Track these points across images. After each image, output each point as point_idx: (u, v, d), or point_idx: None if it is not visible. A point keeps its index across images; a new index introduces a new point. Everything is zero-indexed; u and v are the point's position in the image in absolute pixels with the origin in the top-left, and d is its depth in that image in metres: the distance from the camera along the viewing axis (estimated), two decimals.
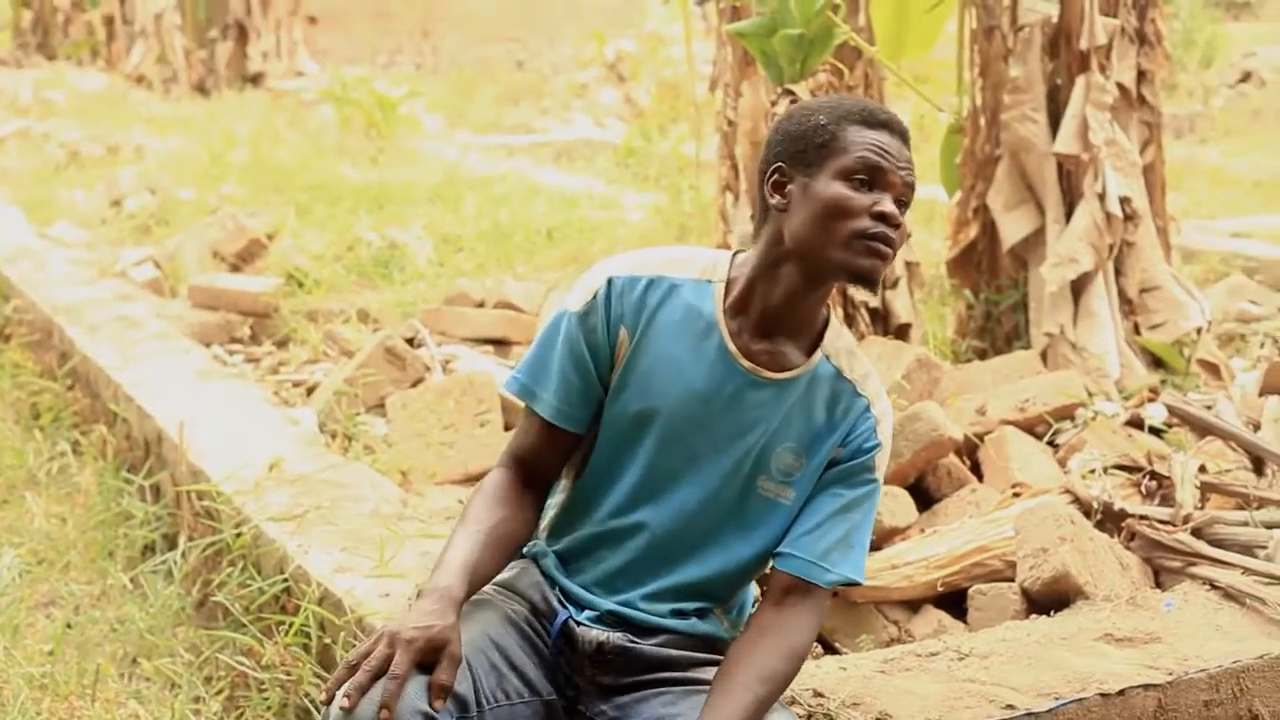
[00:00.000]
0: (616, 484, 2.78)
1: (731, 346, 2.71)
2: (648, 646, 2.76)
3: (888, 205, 2.60)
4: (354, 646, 3.43)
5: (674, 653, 2.77)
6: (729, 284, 2.74)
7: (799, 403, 2.73)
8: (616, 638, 2.76)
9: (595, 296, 2.73)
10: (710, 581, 2.81)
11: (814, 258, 2.63)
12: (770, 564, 2.80)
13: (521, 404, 2.83)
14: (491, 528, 2.70)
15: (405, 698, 2.40)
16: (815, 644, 3.85)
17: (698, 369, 2.71)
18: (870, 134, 2.64)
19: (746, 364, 2.71)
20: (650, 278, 2.74)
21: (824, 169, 2.63)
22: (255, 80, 18.73)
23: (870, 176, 2.62)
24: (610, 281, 2.73)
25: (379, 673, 2.42)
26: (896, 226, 2.62)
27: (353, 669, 2.43)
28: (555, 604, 2.81)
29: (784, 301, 2.70)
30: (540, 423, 2.78)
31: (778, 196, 2.69)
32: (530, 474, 2.82)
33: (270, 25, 19.35)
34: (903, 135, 2.69)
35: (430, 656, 2.45)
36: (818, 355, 2.75)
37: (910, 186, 2.67)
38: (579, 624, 2.77)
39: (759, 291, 2.71)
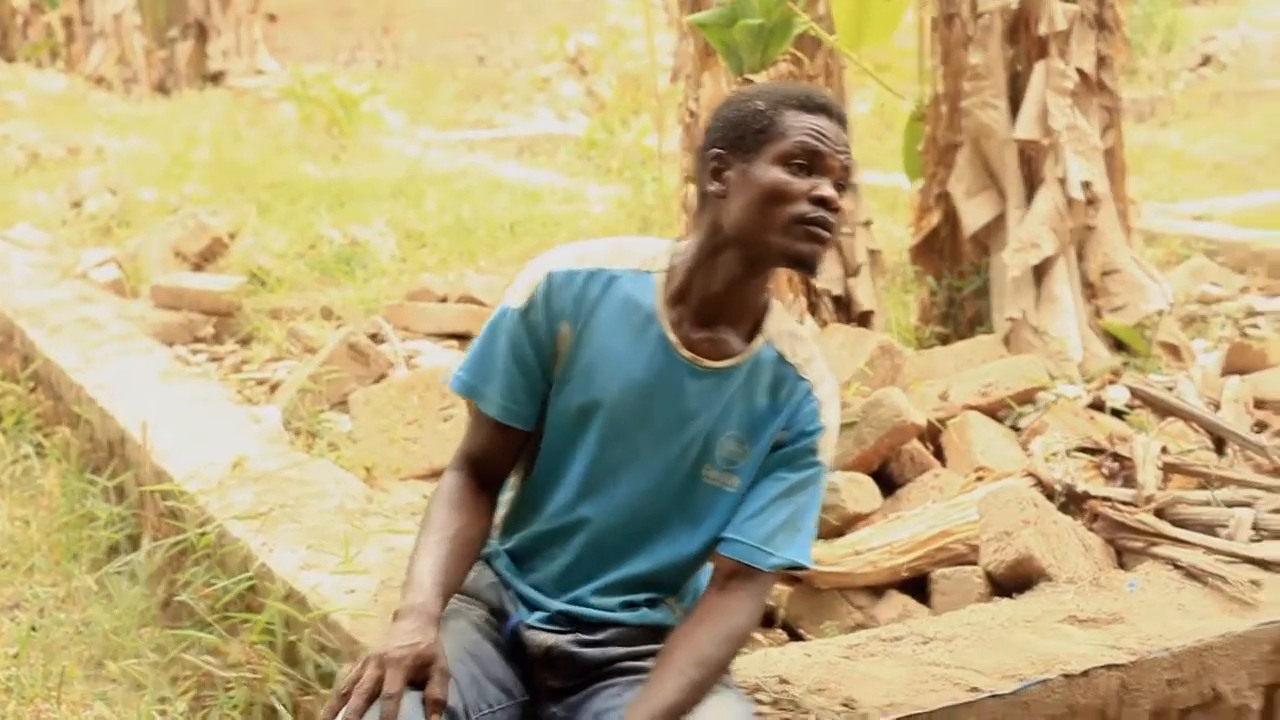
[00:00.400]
0: (563, 479, 2.77)
1: (671, 337, 2.69)
2: (595, 651, 2.75)
3: (827, 189, 2.59)
4: (339, 669, 3.43)
5: (621, 649, 2.76)
6: (670, 273, 2.72)
7: (741, 389, 2.72)
8: (564, 642, 2.75)
9: (536, 292, 2.71)
10: (660, 572, 2.80)
11: (753, 244, 2.61)
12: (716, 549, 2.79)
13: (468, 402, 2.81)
14: (454, 535, 2.69)
15: (402, 715, 2.39)
16: (781, 631, 3.87)
17: (638, 361, 2.70)
18: (808, 119, 2.63)
19: (687, 354, 2.69)
20: (590, 270, 2.72)
21: (762, 154, 2.61)
22: (215, 79, 18.69)
23: (809, 161, 2.60)
24: (550, 276, 2.72)
25: (373, 695, 2.40)
26: (836, 210, 2.61)
27: (344, 697, 2.41)
28: (508, 606, 2.80)
29: (724, 289, 2.68)
30: (489, 422, 2.77)
31: (716, 183, 2.67)
32: (484, 474, 2.81)
33: (230, 24, 19.31)
34: (840, 119, 2.67)
35: (420, 674, 2.43)
36: (759, 341, 2.74)
37: (848, 170, 2.66)
38: (529, 627, 2.77)
39: (699, 280, 2.69)
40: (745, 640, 2.73)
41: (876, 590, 3.91)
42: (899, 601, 3.86)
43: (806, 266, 2.62)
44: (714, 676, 2.61)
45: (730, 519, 2.74)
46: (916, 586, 3.91)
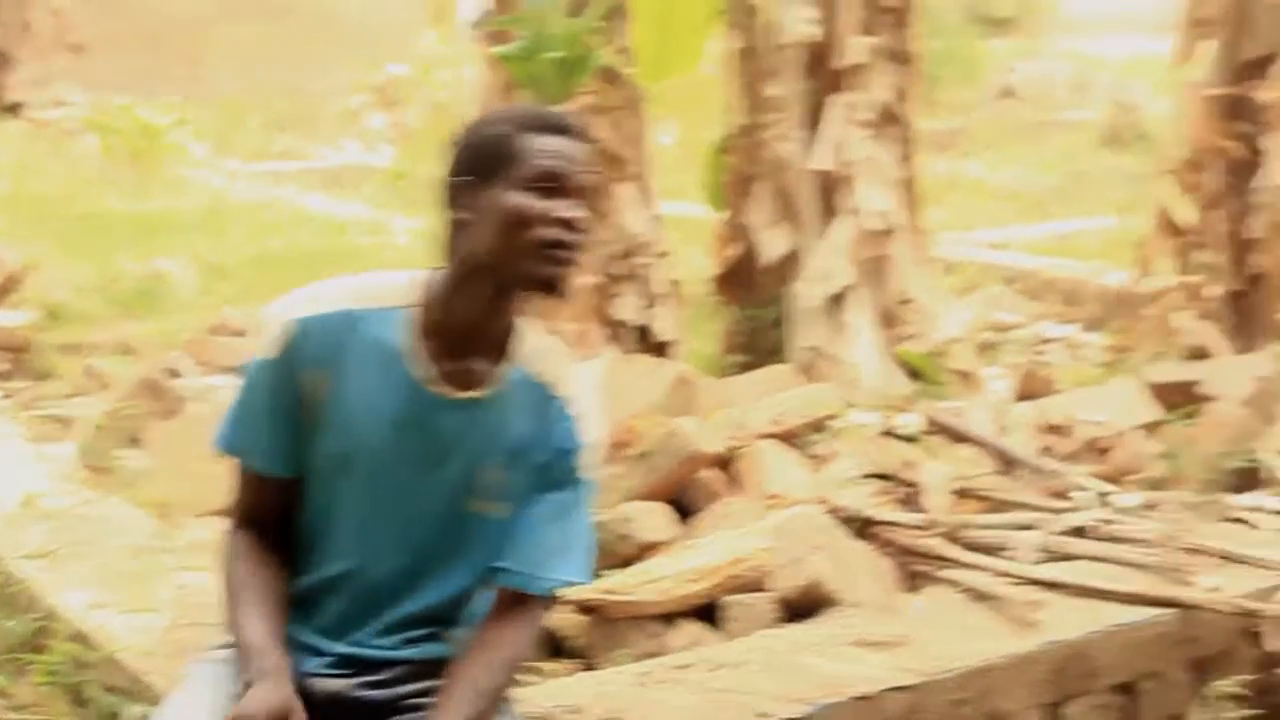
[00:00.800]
0: (331, 527, 2.72)
1: (421, 373, 2.64)
2: (380, 692, 2.71)
3: (569, 211, 2.56)
4: (125, 709, 3.37)
5: (407, 687, 2.72)
6: (420, 306, 2.66)
7: (499, 416, 2.69)
8: (349, 686, 2.70)
9: (285, 341, 2.63)
10: (438, 607, 2.75)
11: (499, 270, 2.58)
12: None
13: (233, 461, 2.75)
14: (268, 593, 2.65)
15: None
16: (573, 661, 3.87)
17: (390, 401, 2.64)
18: (548, 141, 2.59)
19: (437, 389, 2.64)
20: (337, 313, 2.65)
21: (504, 179, 2.57)
22: (14, 110, 18.28)
23: (551, 183, 2.56)
24: (297, 324, 2.64)
25: None
26: (580, 231, 2.59)
27: None
28: (290, 655, 2.76)
29: (474, 317, 2.64)
30: (256, 478, 2.71)
31: (461, 211, 2.62)
32: (265, 529, 2.74)
33: (32, 53, 18.92)
34: (581, 138, 2.65)
35: None
36: (510, 365, 2.69)
37: (588, 190, 2.64)
38: (311, 675, 2.70)
39: (448, 310, 2.64)
40: (521, 665, 2.72)
41: (669, 618, 3.90)
42: (691, 629, 3.87)
43: (553, 290, 2.58)
44: (493, 706, 2.60)
45: (502, 547, 2.73)
46: (709, 614, 3.93)
